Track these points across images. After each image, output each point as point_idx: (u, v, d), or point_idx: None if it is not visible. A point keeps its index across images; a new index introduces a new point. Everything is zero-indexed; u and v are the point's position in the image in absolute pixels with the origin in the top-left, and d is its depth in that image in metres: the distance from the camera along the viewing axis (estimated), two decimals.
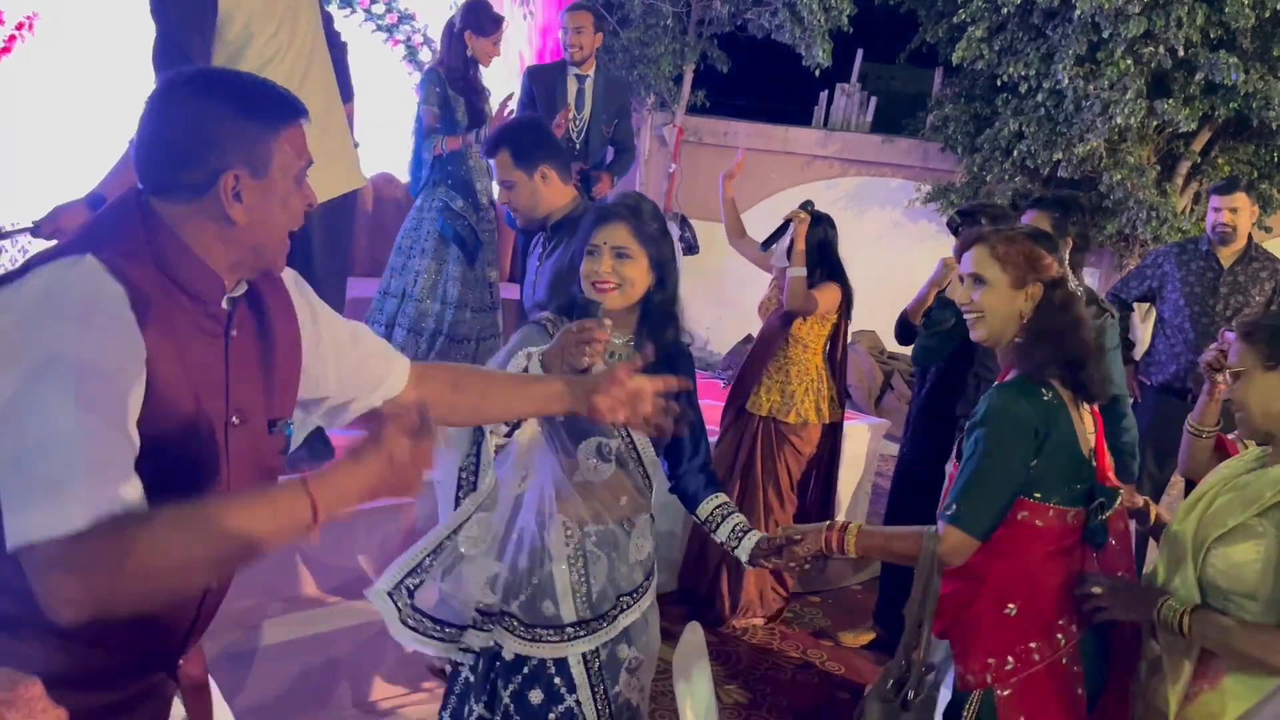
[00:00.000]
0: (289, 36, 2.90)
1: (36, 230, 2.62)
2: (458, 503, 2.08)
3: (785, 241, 3.75)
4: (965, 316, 2.16)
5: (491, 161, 2.88)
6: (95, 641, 1.26)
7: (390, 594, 2.01)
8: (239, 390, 1.37)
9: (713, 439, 4.03)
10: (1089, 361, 2.08)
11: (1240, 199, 4.17)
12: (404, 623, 2.02)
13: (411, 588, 2.03)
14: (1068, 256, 3.16)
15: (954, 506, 2.02)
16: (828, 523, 2.12)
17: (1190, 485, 2.70)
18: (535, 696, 2.08)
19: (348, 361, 1.58)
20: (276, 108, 1.36)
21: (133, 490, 1.17)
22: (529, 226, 2.99)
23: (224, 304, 1.38)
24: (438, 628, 2.05)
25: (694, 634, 1.87)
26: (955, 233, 3.43)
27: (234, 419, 1.36)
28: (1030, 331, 2.07)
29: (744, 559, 2.16)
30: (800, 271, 3.65)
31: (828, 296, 3.72)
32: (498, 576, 2.10)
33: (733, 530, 2.19)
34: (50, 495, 1.12)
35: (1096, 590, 1.98)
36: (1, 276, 1.23)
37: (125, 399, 1.19)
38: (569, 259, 2.38)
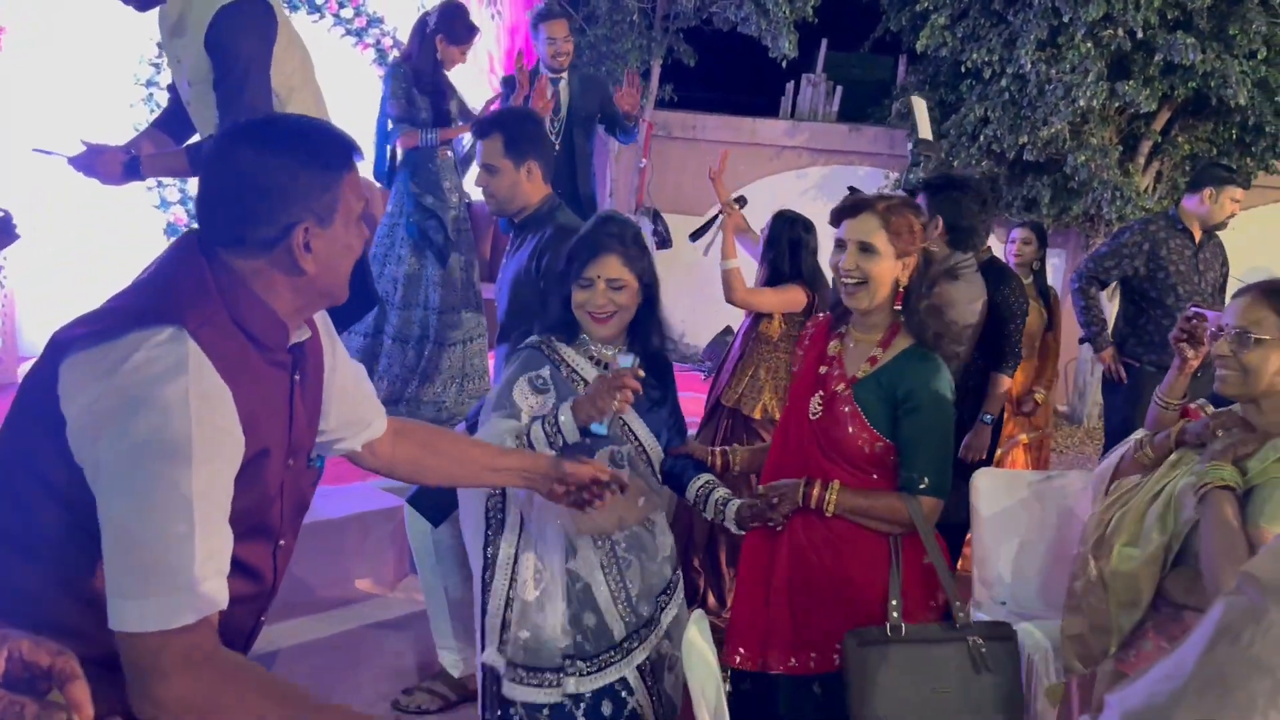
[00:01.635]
0: (300, 59, 2.91)
1: (74, 162, 2.75)
2: (487, 540, 2.17)
3: (713, 234, 3.79)
4: (844, 282, 2.17)
5: (479, 143, 2.87)
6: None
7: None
8: (298, 432, 1.43)
9: (693, 430, 4.08)
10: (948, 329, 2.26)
11: (1243, 194, 4.36)
12: (513, 680, 2.13)
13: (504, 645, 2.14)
14: (935, 235, 3.22)
15: (925, 480, 2.11)
16: (804, 479, 2.14)
17: None
18: (606, 708, 2.17)
19: (349, 400, 1.63)
20: (338, 153, 1.37)
21: (228, 544, 1.24)
22: (498, 215, 2.98)
23: (289, 350, 1.41)
24: (534, 675, 2.14)
25: (700, 623, 1.91)
26: (911, 191, 3.49)
27: (290, 460, 1.41)
28: (914, 301, 2.17)
29: (733, 529, 2.22)
30: (731, 264, 3.66)
31: (786, 296, 3.67)
32: (569, 616, 2.16)
33: (716, 504, 2.24)
34: (166, 589, 1.16)
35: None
36: (87, 330, 1.24)
37: (230, 471, 1.25)
38: (540, 270, 2.42)
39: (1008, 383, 3.80)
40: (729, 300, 3.72)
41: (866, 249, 2.13)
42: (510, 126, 2.85)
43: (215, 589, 1.20)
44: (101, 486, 1.18)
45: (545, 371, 2.22)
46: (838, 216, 2.23)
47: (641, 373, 2.09)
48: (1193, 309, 2.32)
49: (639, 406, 2.23)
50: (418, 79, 4.31)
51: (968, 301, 3.10)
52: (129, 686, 1.17)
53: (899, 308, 2.20)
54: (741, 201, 3.81)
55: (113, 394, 1.18)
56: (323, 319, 1.56)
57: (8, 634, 1.00)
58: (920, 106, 3.38)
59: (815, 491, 2.12)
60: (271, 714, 1.21)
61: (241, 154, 1.32)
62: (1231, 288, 4.04)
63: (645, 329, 2.26)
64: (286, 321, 1.38)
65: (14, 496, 1.24)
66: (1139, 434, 2.32)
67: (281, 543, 1.47)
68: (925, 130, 3.43)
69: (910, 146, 3.25)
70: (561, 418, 2.10)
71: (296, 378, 1.42)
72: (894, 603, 2.10)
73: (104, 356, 1.21)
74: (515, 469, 1.89)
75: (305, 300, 1.39)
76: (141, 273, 1.36)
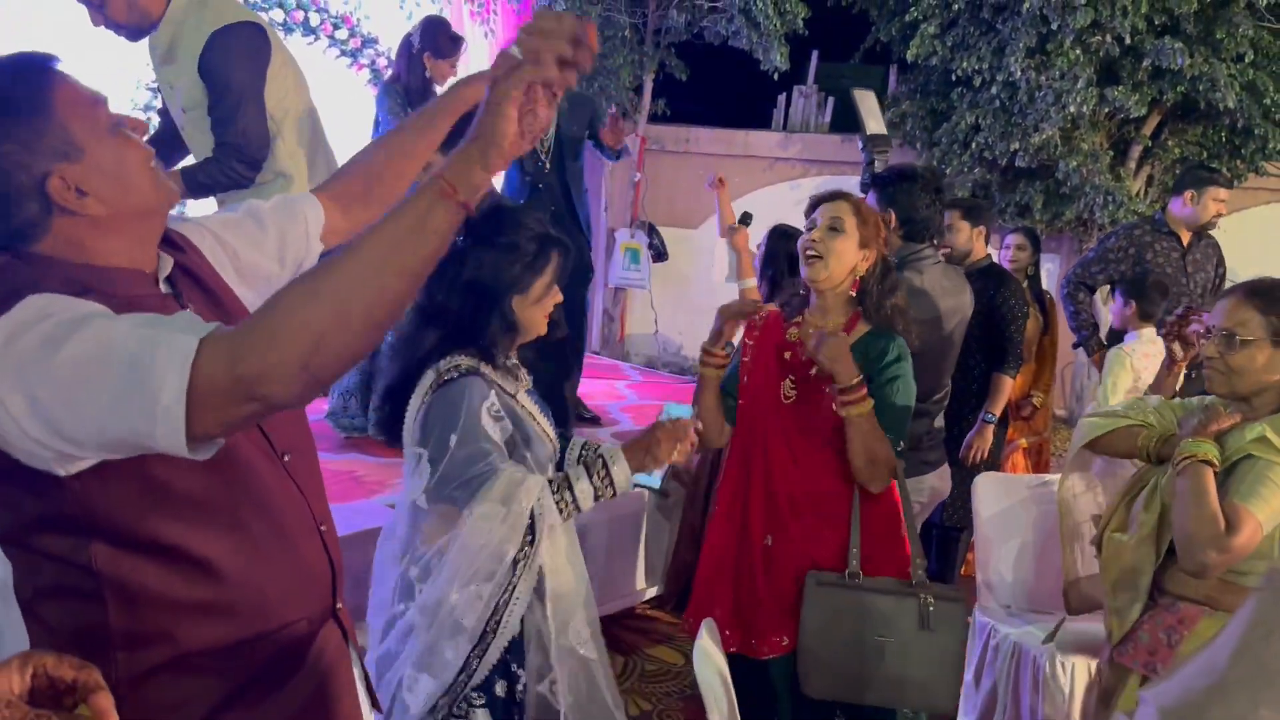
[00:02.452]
0: (295, 81, 2.93)
1: None
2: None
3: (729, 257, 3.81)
4: (807, 254, 2.29)
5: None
6: (255, 602, 1.27)
7: None
8: None
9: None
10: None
11: (1229, 194, 4.41)
12: None
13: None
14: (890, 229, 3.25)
15: (897, 445, 2.24)
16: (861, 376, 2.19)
17: None
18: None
19: (271, 245, 1.48)
20: (32, 82, 1.16)
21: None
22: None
23: (163, 287, 1.27)
24: None
25: (711, 632, 1.94)
26: (865, 190, 3.47)
27: None
28: (873, 297, 2.31)
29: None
30: (747, 284, 3.69)
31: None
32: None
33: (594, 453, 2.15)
34: (155, 353, 1.01)
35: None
36: None
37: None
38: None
39: (1010, 383, 3.87)
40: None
41: (834, 227, 2.29)
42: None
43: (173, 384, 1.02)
44: (54, 424, 1.05)
45: (493, 398, 1.99)
46: (815, 204, 2.37)
47: (700, 424, 2.06)
48: (1182, 309, 2.35)
49: (542, 399, 2.17)
50: (409, 98, 4.34)
51: (951, 294, 3.10)
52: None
53: (853, 294, 2.34)
54: (746, 219, 3.83)
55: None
56: (191, 223, 1.42)
57: (31, 652, 1.00)
58: (866, 100, 3.37)
59: (857, 390, 2.16)
60: (363, 279, 1.04)
61: None
62: None
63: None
64: (135, 266, 1.23)
65: None
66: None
67: (288, 458, 1.36)
68: (876, 124, 3.42)
69: (861, 146, 3.25)
70: (614, 468, 1.94)
71: (189, 307, 1.26)
72: (853, 550, 2.25)
73: None
74: (461, 103, 1.56)
75: (132, 234, 1.23)
76: None
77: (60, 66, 1.19)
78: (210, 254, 1.41)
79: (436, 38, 4.38)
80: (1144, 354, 3.89)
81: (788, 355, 2.37)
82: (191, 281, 1.33)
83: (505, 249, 1.98)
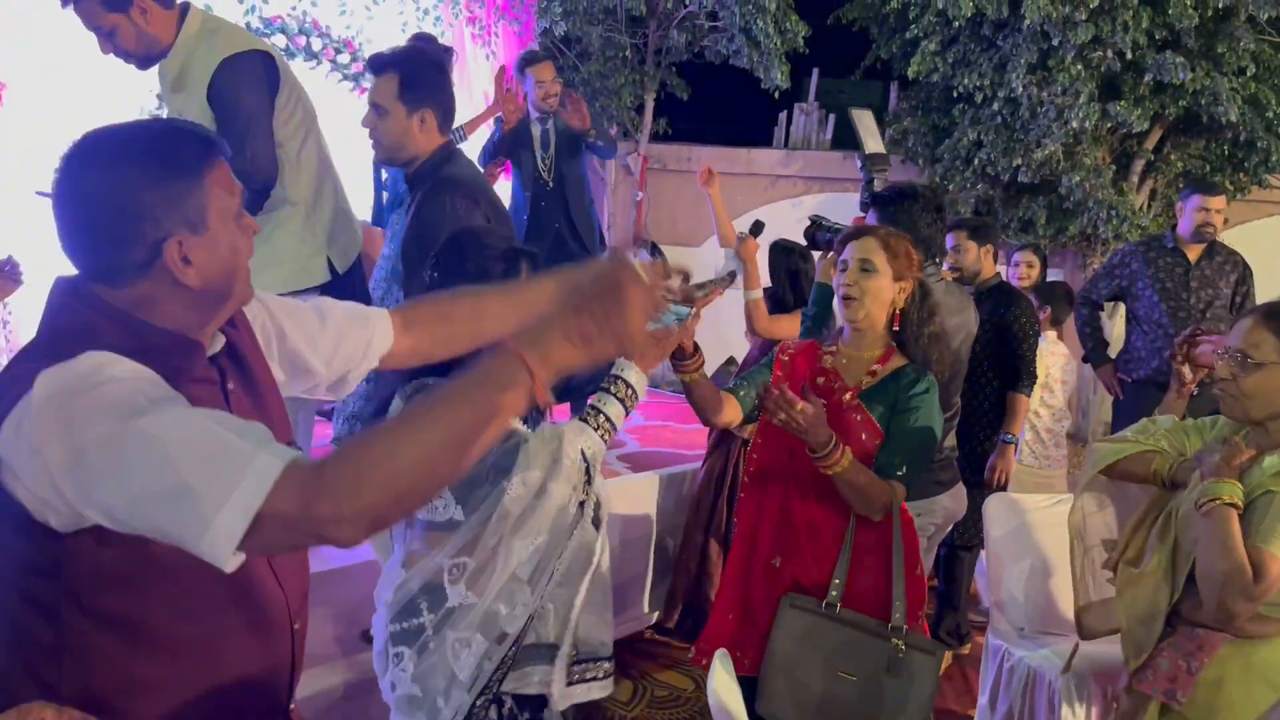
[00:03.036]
0: (304, 108, 2.93)
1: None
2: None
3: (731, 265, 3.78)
4: (844, 297, 2.30)
5: (373, 78, 2.66)
6: (211, 689, 1.25)
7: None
8: None
9: (697, 462, 4.08)
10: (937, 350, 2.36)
11: (1223, 200, 4.35)
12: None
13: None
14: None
15: (904, 467, 2.22)
16: (834, 438, 2.15)
17: None
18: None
19: (325, 344, 1.51)
20: (196, 154, 1.24)
21: (273, 461, 1.07)
22: (384, 163, 2.75)
23: (208, 363, 1.30)
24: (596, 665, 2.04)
25: (723, 660, 1.92)
26: (864, 208, 3.44)
27: None
28: (912, 328, 2.31)
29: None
30: (755, 294, 3.68)
31: (788, 324, 3.66)
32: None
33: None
34: (232, 464, 1.04)
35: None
36: None
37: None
38: (421, 232, 2.17)
39: (1026, 402, 3.85)
40: (752, 330, 3.72)
41: (866, 267, 2.28)
42: (409, 67, 2.63)
43: (236, 507, 1.05)
44: (91, 487, 1.07)
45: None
46: (843, 242, 2.36)
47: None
48: (1189, 330, 2.33)
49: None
50: None
51: (956, 312, 3.09)
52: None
53: (896, 329, 2.34)
54: (757, 228, 3.81)
55: (43, 417, 1.07)
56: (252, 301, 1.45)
57: (32, 705, 0.98)
58: (864, 119, 3.38)
59: (839, 449, 2.14)
60: (431, 441, 1.07)
61: (89, 176, 1.19)
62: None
63: None
64: (195, 338, 1.27)
65: None
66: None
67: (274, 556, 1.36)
68: (875, 143, 3.42)
69: (860, 165, 3.25)
70: (628, 375, 1.99)
71: (230, 386, 1.31)
72: (836, 581, 2.22)
73: (20, 410, 1.10)
74: (542, 297, 1.61)
75: (205, 313, 1.27)
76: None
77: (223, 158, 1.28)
78: (260, 332, 1.44)
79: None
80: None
81: (820, 381, 2.36)
82: (236, 362, 1.36)
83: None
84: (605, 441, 1.99)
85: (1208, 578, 1.87)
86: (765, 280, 3.83)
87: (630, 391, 2.01)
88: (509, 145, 4.78)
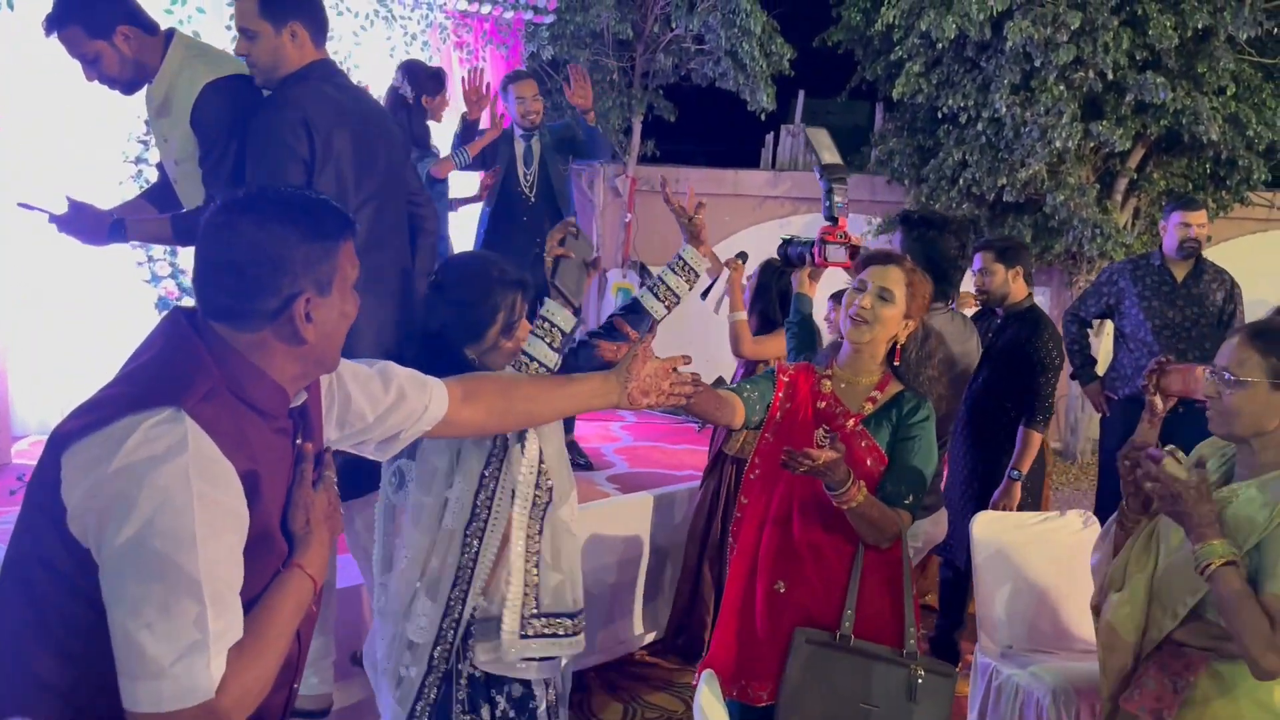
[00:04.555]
0: None
1: (57, 220, 2.69)
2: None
3: (720, 289, 3.81)
4: (854, 317, 2.33)
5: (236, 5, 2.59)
6: None
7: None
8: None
9: (689, 483, 4.09)
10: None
11: (1204, 215, 4.36)
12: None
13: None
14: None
15: (911, 497, 2.26)
16: (851, 474, 2.17)
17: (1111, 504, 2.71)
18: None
19: (382, 406, 1.62)
20: (336, 223, 1.38)
21: (239, 619, 1.26)
22: (265, 86, 2.67)
23: (288, 415, 1.41)
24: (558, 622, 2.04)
25: (710, 683, 1.92)
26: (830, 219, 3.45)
27: None
28: (911, 365, 2.38)
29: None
30: (739, 316, 3.70)
31: (773, 345, 3.67)
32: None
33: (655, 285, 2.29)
34: (181, 669, 1.17)
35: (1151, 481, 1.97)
36: (84, 420, 1.24)
37: (237, 546, 1.25)
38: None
39: (1039, 439, 3.67)
40: (737, 352, 3.74)
41: (885, 296, 2.33)
42: None
43: (221, 666, 1.21)
44: (108, 572, 1.18)
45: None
46: (866, 262, 2.41)
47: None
48: (1156, 360, 2.34)
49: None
50: (414, 143, 4.42)
51: (958, 341, 3.10)
52: None
53: (896, 364, 2.39)
54: (743, 257, 3.85)
55: (112, 479, 1.18)
56: None
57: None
58: (818, 135, 3.43)
59: (855, 485, 2.16)
60: (276, 649, 1.30)
61: (243, 225, 1.31)
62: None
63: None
64: (287, 388, 1.38)
65: (30, 592, 1.24)
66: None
67: (313, 614, 1.47)
68: (831, 155, 3.45)
69: (819, 176, 3.29)
70: (687, 256, 2.20)
71: (299, 440, 1.42)
72: (848, 613, 2.23)
73: (101, 444, 1.20)
74: (588, 391, 1.86)
75: (304, 369, 1.39)
76: (133, 355, 1.35)
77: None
78: (326, 394, 1.55)
79: (423, 80, 4.49)
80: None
81: (822, 405, 2.39)
82: (305, 420, 1.47)
83: (458, 304, 2.04)
84: (665, 307, 2.19)
85: (1237, 639, 1.84)
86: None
87: (689, 270, 2.20)
88: (492, 155, 4.82)
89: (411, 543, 2.02)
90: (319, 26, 2.63)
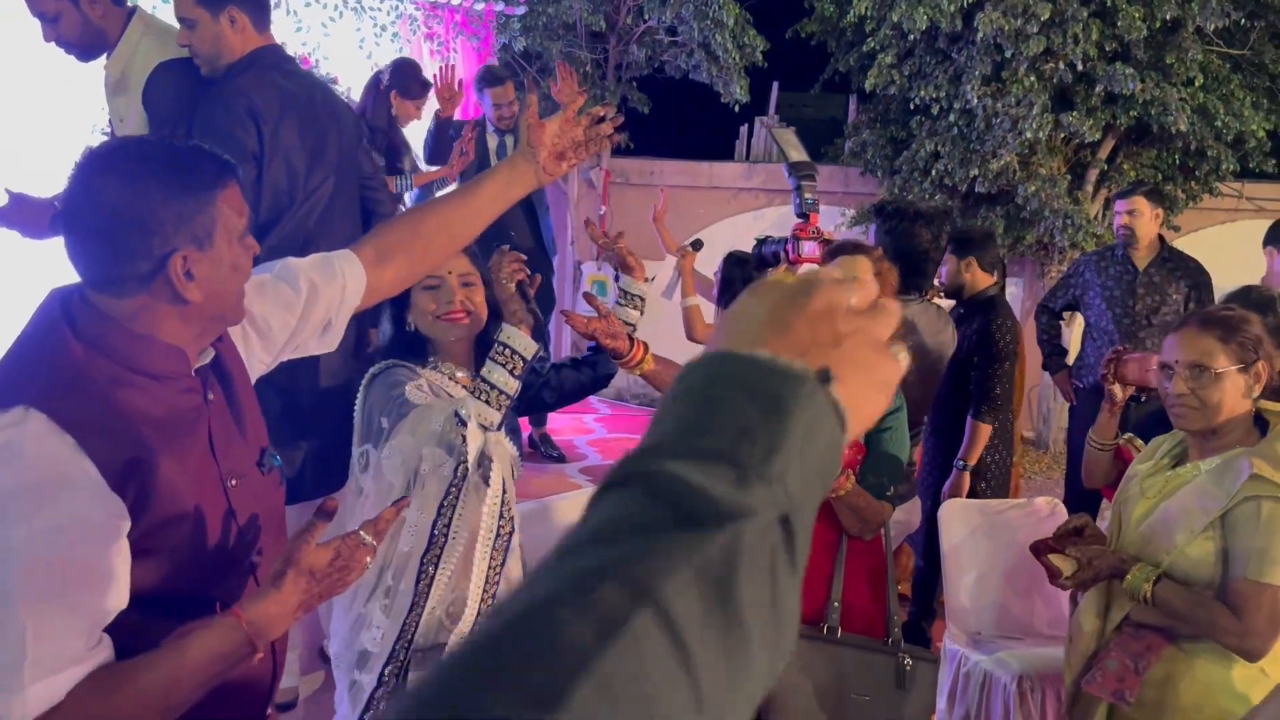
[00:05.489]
0: None
1: None
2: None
3: (669, 276, 3.84)
4: None
5: None
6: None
7: None
8: (228, 451, 1.35)
9: None
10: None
11: (1138, 202, 4.34)
12: None
13: None
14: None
15: (893, 488, 2.29)
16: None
17: (1086, 492, 2.76)
18: None
19: (299, 305, 1.54)
20: (211, 173, 1.29)
21: (86, 665, 1.15)
22: (213, 74, 2.63)
23: (194, 374, 1.33)
24: None
25: None
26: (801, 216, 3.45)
27: (231, 481, 1.34)
28: None
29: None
30: (690, 301, 3.73)
31: None
32: None
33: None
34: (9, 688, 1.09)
35: (1067, 580, 2.04)
36: None
37: (73, 564, 1.16)
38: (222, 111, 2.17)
39: (986, 430, 3.67)
40: (690, 338, 3.76)
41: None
42: None
43: (47, 690, 1.12)
44: None
45: (423, 383, 2.03)
46: (834, 253, 2.37)
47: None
48: (1113, 350, 2.36)
49: (509, 433, 2.17)
50: (372, 135, 4.35)
51: (931, 334, 3.12)
52: None
53: None
54: (697, 245, 3.87)
55: None
56: None
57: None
58: (785, 135, 3.45)
59: (843, 476, 2.19)
60: (153, 702, 1.17)
61: (105, 187, 1.23)
62: None
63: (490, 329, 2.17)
64: (185, 349, 1.30)
65: None
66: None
67: (259, 564, 1.39)
68: (797, 154, 3.48)
69: (788, 174, 3.30)
70: (510, 340, 1.94)
71: (210, 397, 1.34)
72: (835, 605, 2.25)
73: None
74: (500, 183, 1.72)
75: (201, 327, 1.32)
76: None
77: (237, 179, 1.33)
78: (240, 341, 1.47)
79: (406, 79, 4.45)
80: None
81: None
82: (219, 378, 1.40)
83: None
84: (495, 409, 1.95)
85: (1204, 630, 1.89)
86: (719, 291, 3.85)
87: (515, 356, 1.96)
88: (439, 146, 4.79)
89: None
90: (260, 11, 2.60)
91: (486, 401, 1.94)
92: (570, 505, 3.79)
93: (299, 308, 1.53)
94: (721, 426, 0.51)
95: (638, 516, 0.47)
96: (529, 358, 1.96)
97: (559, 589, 0.44)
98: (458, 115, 6.52)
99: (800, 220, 2.74)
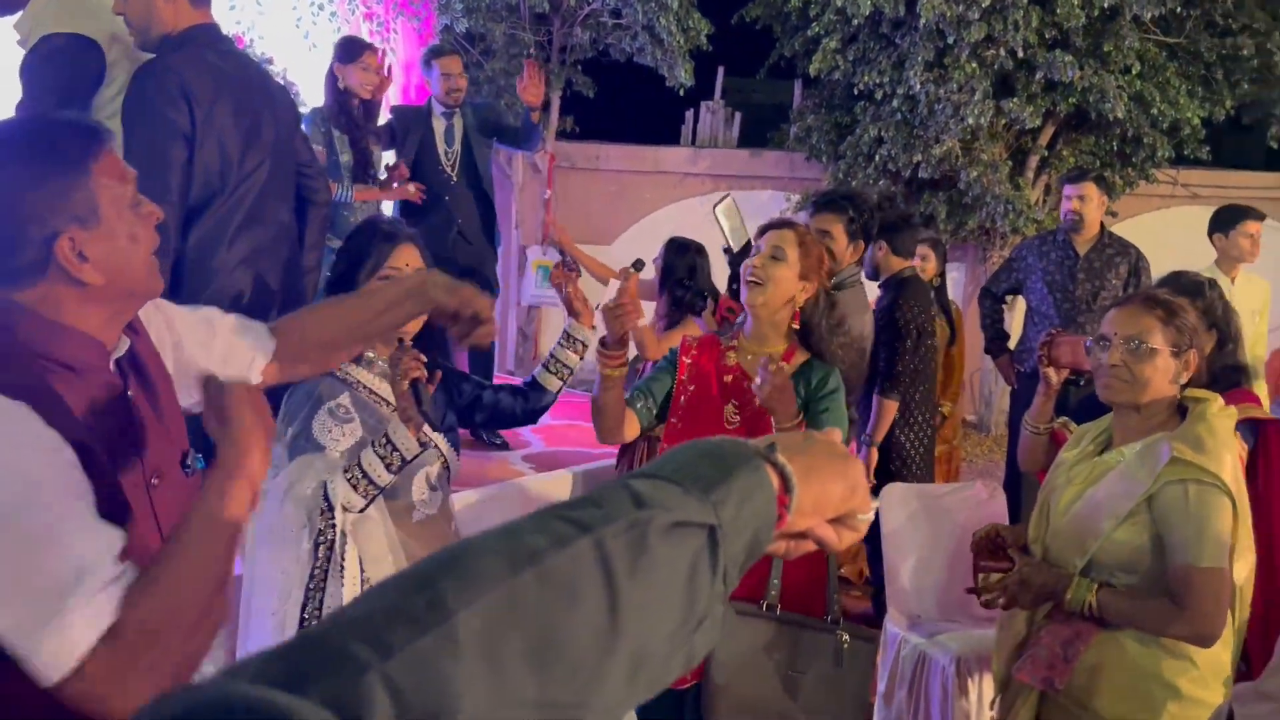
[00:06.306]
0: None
1: None
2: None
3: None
4: (748, 280, 2.34)
5: None
6: None
7: None
8: (151, 449, 1.29)
9: (611, 460, 4.06)
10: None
11: (1088, 188, 4.41)
12: None
13: None
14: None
15: None
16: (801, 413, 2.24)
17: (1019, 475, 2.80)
18: None
19: (215, 356, 1.48)
20: (78, 147, 1.21)
21: (112, 555, 1.11)
22: (145, 47, 2.55)
23: (113, 366, 1.27)
24: None
25: None
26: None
27: (153, 480, 1.28)
28: (815, 331, 2.38)
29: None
30: (641, 323, 3.66)
31: (689, 332, 3.60)
32: None
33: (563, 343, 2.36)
34: (52, 621, 1.04)
35: (997, 595, 2.08)
36: None
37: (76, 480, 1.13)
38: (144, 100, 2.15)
39: (892, 407, 3.73)
40: (644, 357, 3.68)
41: (776, 255, 2.33)
42: None
43: (94, 611, 1.08)
44: None
45: (344, 399, 2.03)
46: (762, 230, 2.43)
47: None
48: (1046, 333, 2.38)
49: (445, 432, 2.19)
50: (332, 117, 4.28)
51: (856, 314, 3.18)
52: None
53: (794, 326, 2.38)
54: (638, 265, 3.82)
55: None
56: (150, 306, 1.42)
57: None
58: (726, 212, 3.45)
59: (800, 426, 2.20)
60: (196, 572, 1.14)
61: None
62: None
63: (437, 340, 2.21)
64: (98, 337, 1.24)
65: None
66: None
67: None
68: (735, 238, 3.50)
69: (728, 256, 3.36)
70: (393, 435, 1.93)
71: (131, 392, 1.28)
72: (774, 582, 2.25)
73: None
74: (401, 296, 1.61)
75: (112, 308, 1.24)
76: None
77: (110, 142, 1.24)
78: (157, 337, 1.40)
79: (343, 46, 4.34)
80: None
81: (729, 379, 2.38)
82: (137, 367, 1.33)
83: (337, 252, 2.07)
84: (359, 494, 1.94)
85: (1160, 628, 1.93)
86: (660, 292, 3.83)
87: (393, 450, 1.94)
88: (409, 137, 4.68)
89: (264, 569, 1.99)
90: None
91: (354, 486, 1.93)
92: (509, 495, 3.75)
93: (213, 357, 1.47)
94: (682, 469, 0.69)
95: (601, 500, 0.64)
96: (408, 458, 1.95)
97: (530, 523, 0.61)
98: (399, 99, 6.42)
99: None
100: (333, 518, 1.93)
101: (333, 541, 1.94)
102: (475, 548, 0.58)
